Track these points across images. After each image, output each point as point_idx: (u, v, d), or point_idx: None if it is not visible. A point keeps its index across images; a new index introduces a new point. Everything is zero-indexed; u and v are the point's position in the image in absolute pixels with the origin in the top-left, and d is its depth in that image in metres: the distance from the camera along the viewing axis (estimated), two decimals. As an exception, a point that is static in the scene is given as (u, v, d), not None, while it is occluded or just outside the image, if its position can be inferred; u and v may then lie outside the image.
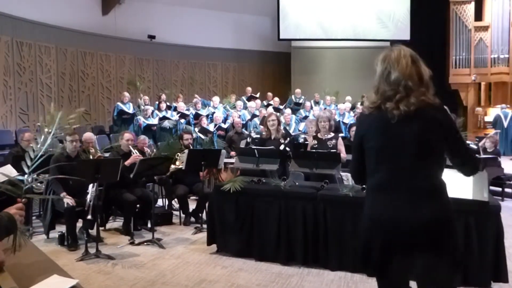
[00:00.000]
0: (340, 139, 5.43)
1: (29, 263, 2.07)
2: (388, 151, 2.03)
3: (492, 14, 15.18)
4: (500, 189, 7.65)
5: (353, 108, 12.15)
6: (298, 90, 13.18)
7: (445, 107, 2.05)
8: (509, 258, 3.89)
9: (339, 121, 10.94)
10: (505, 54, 15.09)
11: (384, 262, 2.05)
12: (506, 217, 4.64)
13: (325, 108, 11.24)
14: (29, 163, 1.95)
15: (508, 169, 8.17)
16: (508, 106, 13.94)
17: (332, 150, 5.11)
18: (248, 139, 8.25)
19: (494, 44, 15.21)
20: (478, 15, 15.48)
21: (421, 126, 1.96)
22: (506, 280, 3.70)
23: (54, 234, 5.27)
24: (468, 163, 2.09)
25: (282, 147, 5.50)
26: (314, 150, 5.14)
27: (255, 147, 5.55)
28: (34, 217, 5.99)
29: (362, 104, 12.40)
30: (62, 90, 11.62)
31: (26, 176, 1.98)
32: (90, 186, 4.77)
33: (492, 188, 7.11)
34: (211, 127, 9.74)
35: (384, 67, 2.05)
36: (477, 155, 2.11)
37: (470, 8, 15.44)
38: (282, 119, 8.08)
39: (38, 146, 1.93)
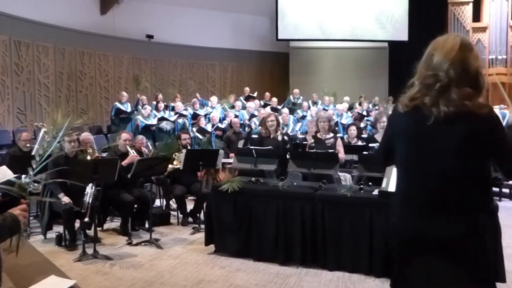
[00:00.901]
0: (339, 140, 5.45)
1: (27, 263, 2.06)
2: (419, 158, 1.82)
3: (490, 15, 15.23)
4: (497, 189, 7.67)
5: (350, 108, 12.16)
6: (296, 90, 13.19)
7: (494, 113, 1.78)
8: (507, 258, 3.90)
9: (336, 121, 10.95)
10: (503, 55, 15.14)
11: (411, 271, 1.88)
12: (504, 217, 4.64)
13: (323, 109, 11.25)
14: (35, 165, 1.94)
15: (506, 170, 8.16)
16: (506, 106, 13.97)
17: (330, 150, 5.12)
18: (248, 129, 8.25)
19: (492, 45, 15.25)
20: (476, 16, 15.52)
21: (460, 134, 1.72)
22: (504, 280, 3.70)
23: (51, 234, 5.25)
24: None
25: (280, 137, 5.51)
26: (312, 150, 5.15)
27: (253, 147, 5.55)
28: (31, 218, 5.97)
29: (360, 104, 12.45)
30: (60, 90, 11.59)
31: (26, 177, 1.97)
32: (88, 187, 4.76)
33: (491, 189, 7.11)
34: (209, 127, 9.74)
35: (429, 50, 1.83)
36: None
37: (468, 9, 15.48)
38: (280, 119, 8.09)
39: (38, 149, 1.93)
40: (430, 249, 1.80)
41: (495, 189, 7.63)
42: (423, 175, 1.81)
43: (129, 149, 5.69)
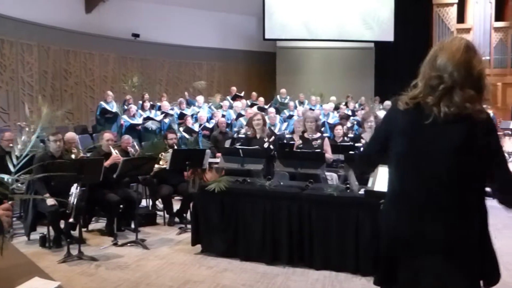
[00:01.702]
0: (326, 139, 5.48)
1: (10, 265, 2.02)
2: (414, 158, 1.80)
3: (474, 16, 15.46)
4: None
5: (337, 108, 12.22)
6: (283, 90, 13.21)
7: (492, 120, 1.78)
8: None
9: (323, 121, 10.99)
10: (486, 56, 15.37)
11: (403, 278, 1.86)
12: (490, 217, 4.72)
13: (310, 108, 11.29)
14: (15, 162, 1.90)
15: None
16: (489, 107, 14.17)
17: (317, 150, 5.14)
18: (235, 135, 8.24)
19: (476, 46, 15.46)
20: (461, 18, 15.74)
21: (459, 136, 1.72)
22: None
23: (35, 235, 5.18)
24: (508, 191, 1.78)
25: (266, 145, 5.51)
26: (299, 150, 5.16)
27: (239, 147, 5.54)
28: (14, 219, 5.88)
29: (346, 104, 12.53)
30: (44, 89, 11.45)
31: (8, 176, 1.93)
32: (73, 187, 4.70)
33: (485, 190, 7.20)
34: (196, 127, 9.70)
35: (434, 51, 1.82)
36: None
37: (453, 11, 15.69)
38: (267, 119, 8.09)
39: (18, 146, 1.89)
40: (422, 251, 1.79)
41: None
42: (418, 175, 1.80)
43: (112, 149, 5.64)
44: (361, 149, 5.34)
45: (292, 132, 8.38)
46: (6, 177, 1.91)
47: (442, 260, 1.76)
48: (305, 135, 5.41)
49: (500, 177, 1.78)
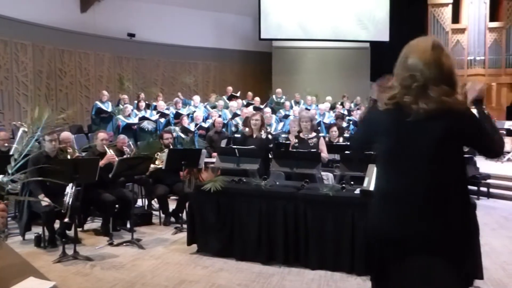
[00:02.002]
0: (322, 139, 5.48)
1: (4, 265, 2.01)
2: (400, 155, 1.85)
3: (469, 17, 15.53)
4: (475, 188, 7.81)
5: (332, 108, 12.25)
6: (279, 90, 13.22)
7: (470, 109, 1.87)
8: (484, 255, 3.98)
9: (319, 121, 11.01)
10: (481, 56, 15.46)
11: (391, 272, 1.89)
12: (482, 215, 4.75)
13: (306, 108, 11.30)
14: (13, 164, 1.90)
15: (483, 169, 8.35)
16: (484, 107, 14.25)
17: (312, 150, 5.15)
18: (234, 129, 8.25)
19: (470, 46, 15.56)
20: (456, 18, 15.81)
21: (440, 131, 1.77)
22: (481, 277, 3.78)
23: (30, 235, 5.16)
24: (493, 150, 1.91)
25: (264, 135, 5.51)
26: (295, 150, 5.17)
27: (235, 146, 5.54)
28: (9, 218, 5.85)
29: (342, 104, 12.56)
30: (39, 88, 11.40)
31: (4, 176, 1.92)
32: (68, 187, 4.68)
33: (468, 187, 7.25)
34: (192, 127, 9.69)
35: (403, 53, 1.91)
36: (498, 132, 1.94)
37: (448, 11, 15.76)
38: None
39: (22, 146, 1.88)
40: (411, 249, 1.82)
41: (473, 187, 7.78)
42: (402, 173, 1.85)
43: (107, 149, 5.63)
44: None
45: (288, 132, 8.39)
46: (0, 177, 1.90)
47: (430, 257, 1.80)
48: (301, 135, 5.42)
49: (485, 149, 1.92)
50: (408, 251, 1.83)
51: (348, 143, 6.45)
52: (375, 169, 2.60)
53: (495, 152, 1.92)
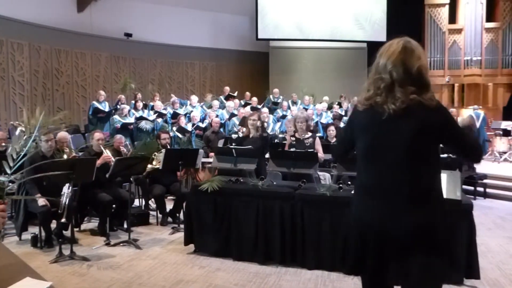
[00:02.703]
0: (317, 139, 5.48)
1: (0, 266, 2.01)
2: (377, 151, 1.96)
3: (466, 17, 15.56)
4: (472, 188, 7.84)
5: (330, 108, 12.25)
6: (276, 90, 13.22)
7: (443, 105, 1.95)
8: (481, 255, 3.99)
9: (316, 121, 11.02)
10: (477, 56, 15.50)
11: (374, 266, 1.98)
12: (478, 215, 4.77)
13: (304, 108, 11.31)
14: (11, 164, 1.89)
15: (480, 169, 8.38)
16: (480, 107, 14.30)
17: (309, 150, 5.15)
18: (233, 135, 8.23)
19: (467, 46, 15.60)
20: (452, 18, 15.85)
21: (412, 127, 1.86)
22: (478, 277, 3.79)
23: (26, 235, 5.15)
24: (471, 155, 2.05)
25: (259, 134, 5.51)
26: (292, 150, 5.17)
27: (232, 146, 5.54)
28: (5, 218, 5.83)
29: (339, 104, 12.57)
30: (35, 88, 11.37)
31: (1, 176, 1.92)
32: (65, 187, 4.67)
33: (464, 187, 7.28)
34: (189, 127, 9.68)
35: (377, 56, 2.01)
36: (475, 139, 2.08)
37: (445, 11, 15.79)
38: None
39: (15, 147, 1.88)
40: (389, 240, 1.91)
41: (470, 187, 7.81)
42: (380, 168, 1.94)
43: (103, 149, 5.62)
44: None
45: (285, 132, 8.39)
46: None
47: (408, 248, 1.88)
48: (296, 135, 5.42)
49: (459, 146, 1.99)
50: (388, 243, 1.92)
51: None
52: None
53: (472, 154, 2.03)
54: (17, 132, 5.51)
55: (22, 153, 1.92)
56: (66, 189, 4.65)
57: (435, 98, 1.90)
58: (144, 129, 9.82)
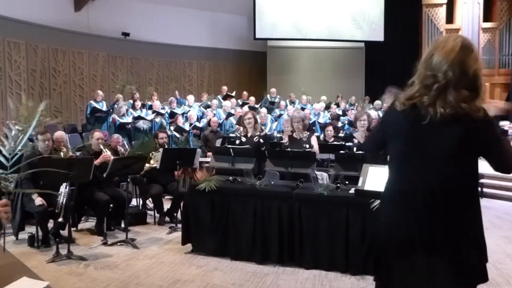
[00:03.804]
0: (314, 137, 5.49)
1: (-3, 265, 2.00)
2: (413, 157, 1.82)
3: (463, 17, 15.59)
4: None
5: (327, 108, 12.27)
6: (273, 90, 13.22)
7: (489, 117, 1.76)
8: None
9: (314, 121, 11.03)
10: (475, 56, 15.51)
11: (398, 271, 1.87)
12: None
13: (301, 107, 11.32)
14: (2, 159, 1.89)
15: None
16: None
17: (307, 149, 5.15)
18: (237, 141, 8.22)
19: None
20: (450, 18, 15.87)
21: (456, 136, 1.72)
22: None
23: (23, 235, 5.14)
24: (506, 167, 1.84)
25: (256, 139, 5.50)
26: (289, 149, 5.17)
27: (230, 146, 5.53)
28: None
29: (336, 104, 12.59)
30: (32, 87, 11.33)
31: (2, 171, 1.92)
32: (62, 186, 4.66)
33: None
34: (187, 126, 9.68)
35: (430, 50, 1.82)
36: None
37: (442, 11, 15.82)
38: (258, 118, 8.09)
39: (9, 142, 1.87)
40: (422, 250, 1.80)
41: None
42: (416, 174, 1.81)
43: (102, 148, 5.61)
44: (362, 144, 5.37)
45: (282, 132, 8.39)
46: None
47: (440, 260, 1.78)
48: (294, 134, 5.43)
49: (498, 162, 1.81)
50: (418, 252, 1.80)
51: (343, 142, 6.45)
52: (370, 168, 2.61)
53: (507, 167, 1.84)
54: (13, 132, 5.49)
55: (16, 149, 1.92)
56: (63, 189, 4.64)
57: (482, 108, 1.74)
58: (142, 129, 9.81)
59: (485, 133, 1.74)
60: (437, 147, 1.76)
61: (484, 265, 1.83)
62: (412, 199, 1.81)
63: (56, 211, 4.62)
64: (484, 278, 1.85)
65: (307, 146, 5.28)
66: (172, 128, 9.56)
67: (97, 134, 5.75)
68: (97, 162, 5.32)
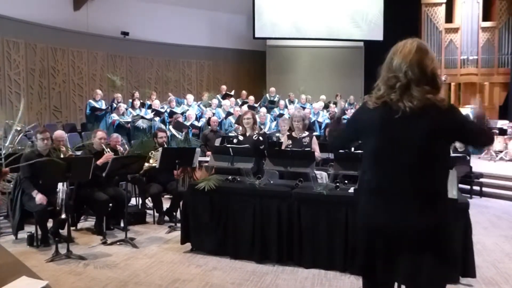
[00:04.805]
0: (314, 138, 5.48)
1: (-3, 264, 2.01)
2: (388, 150, 1.94)
3: (462, 16, 15.61)
4: (468, 187, 7.86)
5: (326, 107, 12.27)
6: (272, 89, 13.23)
7: (454, 105, 1.97)
8: (477, 254, 4.00)
9: (314, 120, 11.03)
10: (474, 55, 15.55)
11: (382, 267, 1.96)
12: (474, 214, 4.78)
13: (301, 106, 11.32)
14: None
15: (476, 168, 8.41)
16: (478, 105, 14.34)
17: (306, 149, 5.15)
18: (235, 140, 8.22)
19: (463, 45, 15.64)
20: (449, 17, 15.90)
21: (427, 127, 1.86)
22: (474, 275, 3.80)
23: (23, 234, 5.13)
24: (485, 143, 2.13)
25: (255, 137, 5.50)
26: (288, 149, 5.17)
27: (229, 145, 5.53)
28: (1, 218, 5.82)
29: (335, 104, 12.59)
30: (31, 87, 11.32)
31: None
32: (60, 184, 4.65)
33: (461, 186, 7.31)
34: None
35: (389, 54, 2.01)
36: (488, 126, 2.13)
37: (441, 10, 15.84)
38: (257, 117, 8.08)
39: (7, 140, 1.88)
40: (400, 241, 1.89)
41: (466, 186, 7.83)
42: (392, 166, 1.92)
43: (105, 148, 5.61)
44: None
45: (281, 131, 8.38)
46: None
47: (418, 248, 1.88)
48: (293, 134, 5.42)
49: (472, 140, 2.08)
50: (398, 244, 1.90)
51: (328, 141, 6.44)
52: None
53: (481, 141, 2.08)
54: (12, 132, 5.49)
55: (8, 143, 1.92)
56: (61, 186, 4.63)
57: (445, 99, 1.93)
58: (141, 128, 9.81)
59: (453, 119, 1.91)
60: (410, 136, 1.88)
61: (453, 257, 1.96)
62: (389, 191, 1.93)
63: (57, 208, 4.61)
64: (469, 274, 2.00)
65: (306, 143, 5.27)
66: (171, 126, 9.54)
67: (100, 133, 5.74)
68: (99, 162, 5.31)
